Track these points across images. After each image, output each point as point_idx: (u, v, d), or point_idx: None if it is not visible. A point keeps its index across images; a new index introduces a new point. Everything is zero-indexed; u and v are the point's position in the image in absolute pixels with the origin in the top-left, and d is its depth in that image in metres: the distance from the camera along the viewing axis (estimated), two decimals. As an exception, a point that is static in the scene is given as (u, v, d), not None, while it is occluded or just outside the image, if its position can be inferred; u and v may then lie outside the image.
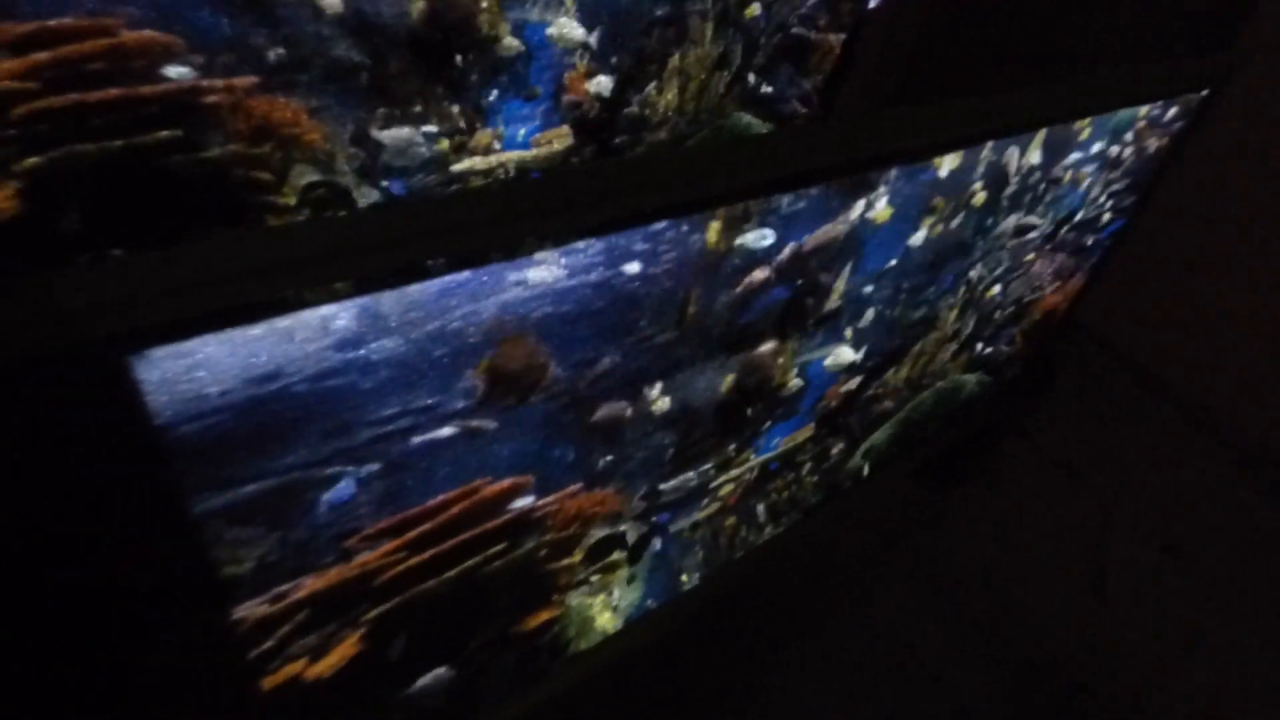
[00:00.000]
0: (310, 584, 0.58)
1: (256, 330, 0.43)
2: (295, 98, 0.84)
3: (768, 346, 0.78)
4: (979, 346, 1.14)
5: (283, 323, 0.44)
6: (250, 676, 0.59)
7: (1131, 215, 1.18)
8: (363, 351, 0.49)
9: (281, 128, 0.85)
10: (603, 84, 1.02)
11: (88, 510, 0.44)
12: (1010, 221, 0.97)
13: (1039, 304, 1.18)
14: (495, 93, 0.96)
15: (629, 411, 0.70)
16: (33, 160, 0.75)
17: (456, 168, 0.98)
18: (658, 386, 0.71)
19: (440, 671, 0.75)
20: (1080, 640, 1.41)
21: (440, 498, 0.61)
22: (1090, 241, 1.16)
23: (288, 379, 0.46)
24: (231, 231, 0.82)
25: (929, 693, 1.28)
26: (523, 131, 1.01)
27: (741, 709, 1.19)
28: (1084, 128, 0.94)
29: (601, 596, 0.84)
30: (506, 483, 0.65)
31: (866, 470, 1.13)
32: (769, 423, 0.87)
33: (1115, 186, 1.07)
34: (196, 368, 0.43)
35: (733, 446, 0.85)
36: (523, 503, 0.68)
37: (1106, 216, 1.14)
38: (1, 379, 0.37)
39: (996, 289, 1.06)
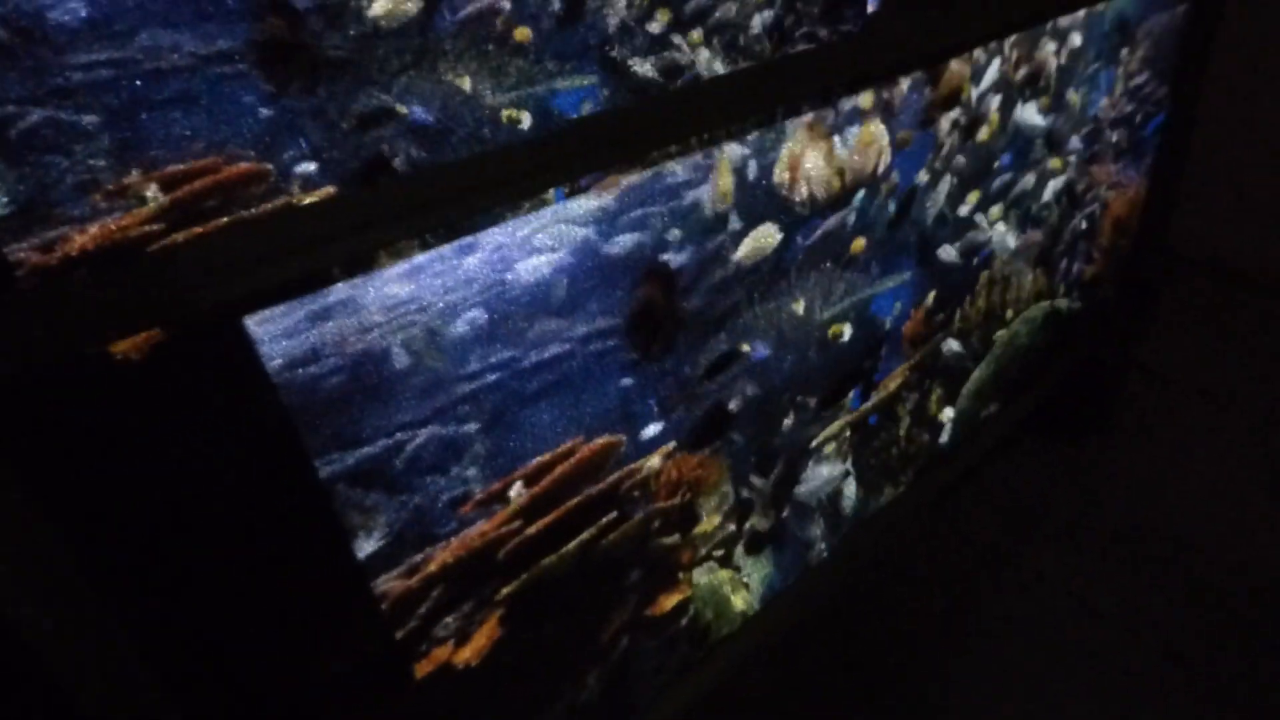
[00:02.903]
0: (439, 556, 0.62)
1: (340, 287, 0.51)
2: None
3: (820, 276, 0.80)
4: (1057, 268, 1.11)
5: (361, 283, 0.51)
6: (400, 657, 0.62)
7: (1171, 110, 1.16)
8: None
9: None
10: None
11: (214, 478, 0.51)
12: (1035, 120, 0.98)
13: (1106, 214, 1.15)
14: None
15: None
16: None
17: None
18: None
19: (588, 664, 0.76)
20: (1269, 553, 1.27)
21: (539, 459, 0.66)
22: (1134, 141, 1.14)
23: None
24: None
25: (1128, 645, 1.16)
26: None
27: (923, 700, 1.10)
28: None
29: (728, 573, 0.84)
30: (600, 441, 0.69)
31: (978, 416, 1.09)
32: (855, 373, 0.88)
33: (1137, 80, 1.06)
34: (280, 337, 0.50)
35: (826, 400, 0.86)
36: (621, 466, 0.71)
37: (1138, 112, 1.12)
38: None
39: (1045, 201, 1.05)
